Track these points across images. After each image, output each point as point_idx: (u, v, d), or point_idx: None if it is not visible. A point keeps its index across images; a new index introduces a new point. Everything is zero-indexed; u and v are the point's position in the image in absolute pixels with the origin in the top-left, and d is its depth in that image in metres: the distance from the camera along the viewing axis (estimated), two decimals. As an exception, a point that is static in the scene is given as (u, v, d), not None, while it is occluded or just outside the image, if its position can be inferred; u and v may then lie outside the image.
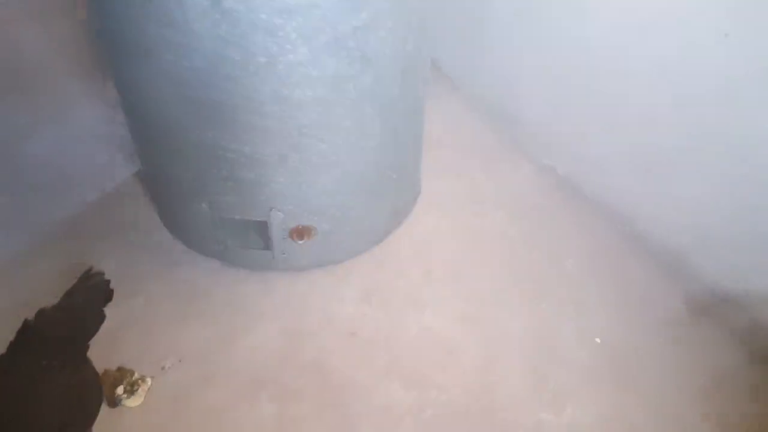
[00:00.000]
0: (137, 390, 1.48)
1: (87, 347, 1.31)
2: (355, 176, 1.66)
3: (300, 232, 1.69)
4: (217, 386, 1.52)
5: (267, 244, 1.73)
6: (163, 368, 1.54)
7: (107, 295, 1.41)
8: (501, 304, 1.75)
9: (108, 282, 1.41)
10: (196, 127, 1.44)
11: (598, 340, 1.70)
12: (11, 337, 1.21)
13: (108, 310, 1.40)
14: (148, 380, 1.50)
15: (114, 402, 1.46)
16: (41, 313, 1.25)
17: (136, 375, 1.51)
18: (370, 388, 1.53)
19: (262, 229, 1.70)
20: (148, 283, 1.73)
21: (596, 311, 1.75)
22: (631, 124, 1.83)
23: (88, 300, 1.35)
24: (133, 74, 1.44)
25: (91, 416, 1.25)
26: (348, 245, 1.84)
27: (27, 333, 1.21)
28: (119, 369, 1.52)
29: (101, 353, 1.39)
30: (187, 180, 1.60)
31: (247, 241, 1.76)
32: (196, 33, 1.26)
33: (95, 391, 1.32)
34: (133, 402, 1.47)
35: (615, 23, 1.78)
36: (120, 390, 1.47)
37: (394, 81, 1.51)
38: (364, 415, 1.49)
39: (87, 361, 1.31)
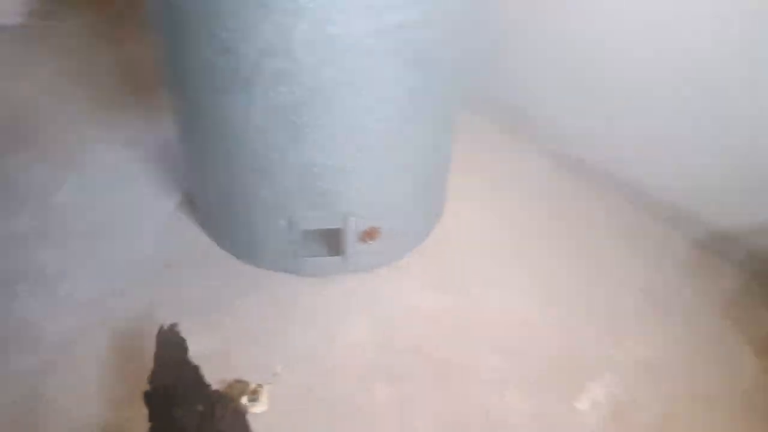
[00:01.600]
0: (259, 397, 1.57)
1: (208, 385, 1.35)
2: (417, 178, 1.85)
3: (371, 234, 1.85)
4: (331, 381, 1.64)
5: (339, 250, 1.87)
6: (275, 374, 1.64)
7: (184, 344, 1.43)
8: (555, 272, 2.00)
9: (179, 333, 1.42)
10: (292, 148, 1.57)
11: (640, 287, 1.99)
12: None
13: (204, 335, 1.47)
14: (265, 386, 1.59)
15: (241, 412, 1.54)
16: (153, 379, 1.30)
17: (253, 384, 1.60)
18: (469, 362, 1.72)
19: (334, 236, 1.85)
20: (234, 306, 1.81)
21: (630, 262, 2.05)
22: (629, 104, 2.15)
23: (176, 355, 1.38)
24: (224, 105, 1.55)
25: None
26: (405, 242, 2.02)
27: (154, 399, 1.26)
28: (237, 381, 1.60)
29: (212, 372, 1.44)
30: (271, 199, 1.72)
31: (319, 250, 1.89)
32: (298, 59, 1.41)
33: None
34: (258, 408, 1.56)
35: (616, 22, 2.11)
36: (244, 400, 1.55)
37: (447, 84, 1.72)
38: (470, 382, 1.67)
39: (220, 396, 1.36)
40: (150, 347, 1.38)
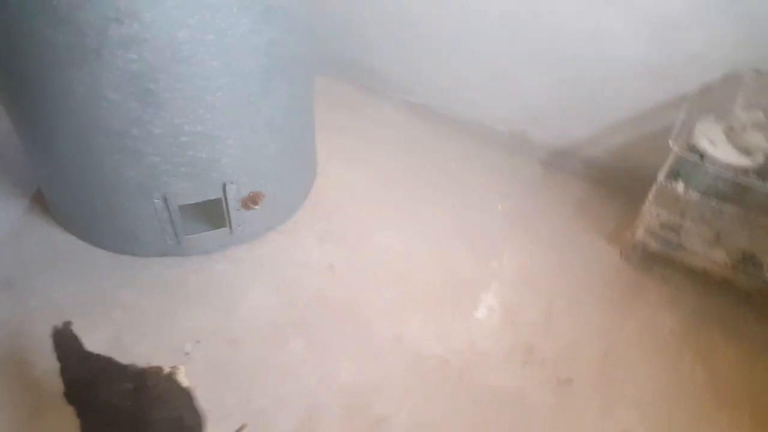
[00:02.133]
0: (177, 378, 1.51)
1: None
2: (287, 138, 1.86)
3: (253, 199, 1.83)
4: (244, 347, 1.62)
5: (223, 221, 1.83)
6: (186, 354, 1.58)
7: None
8: (428, 210, 2.13)
9: None
10: (154, 119, 1.49)
11: (499, 207, 2.20)
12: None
13: (98, 329, 1.40)
14: (181, 367, 1.53)
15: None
16: (65, 376, 1.22)
17: (167, 368, 1.53)
18: (370, 300, 1.79)
19: (215, 207, 1.80)
20: (120, 298, 1.70)
21: (489, 191, 2.25)
22: (466, 50, 2.33)
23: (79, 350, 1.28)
24: (69, 82, 1.42)
25: None
26: (288, 204, 2.02)
27: (75, 394, 1.20)
28: (149, 367, 1.52)
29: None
30: (140, 179, 1.62)
31: (202, 225, 1.83)
32: (147, 22, 1.34)
33: None
34: (179, 389, 1.49)
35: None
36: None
37: (304, 39, 1.74)
38: (375, 317, 1.75)
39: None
40: (38, 357, 1.26)
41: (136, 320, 1.65)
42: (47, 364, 1.26)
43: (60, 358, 1.22)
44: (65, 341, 1.25)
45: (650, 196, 1.94)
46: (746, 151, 1.77)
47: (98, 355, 1.24)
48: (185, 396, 1.20)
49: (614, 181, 2.32)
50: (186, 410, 1.17)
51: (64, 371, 1.20)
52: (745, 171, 1.75)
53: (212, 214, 1.83)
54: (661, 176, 1.89)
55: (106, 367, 1.20)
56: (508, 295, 1.89)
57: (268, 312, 1.72)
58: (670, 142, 1.81)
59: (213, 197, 1.75)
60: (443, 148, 2.42)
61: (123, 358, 1.45)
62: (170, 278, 1.78)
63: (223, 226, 1.84)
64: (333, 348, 1.66)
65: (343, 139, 2.37)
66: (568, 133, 2.35)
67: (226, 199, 1.76)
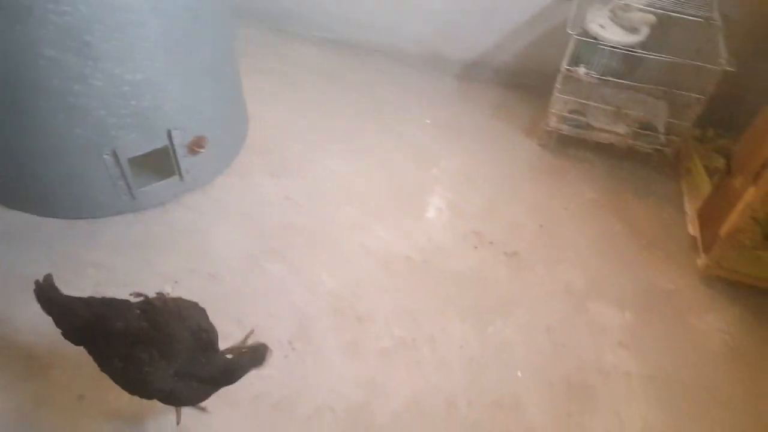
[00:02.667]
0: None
1: None
2: (219, 80, 1.91)
3: (197, 143, 1.88)
4: (223, 279, 1.72)
5: (172, 170, 1.87)
6: (168, 293, 1.65)
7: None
8: (363, 134, 2.27)
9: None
10: (95, 71, 1.50)
11: (428, 121, 2.37)
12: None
13: (75, 289, 1.44)
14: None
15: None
16: (61, 324, 1.27)
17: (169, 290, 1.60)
18: (332, 220, 1.94)
19: (163, 158, 1.84)
20: (86, 260, 1.72)
21: (415, 107, 2.42)
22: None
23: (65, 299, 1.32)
24: (1, 43, 1.40)
25: None
26: (230, 146, 2.09)
27: (79, 333, 1.26)
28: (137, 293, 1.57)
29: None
30: (87, 136, 1.63)
31: (153, 176, 1.87)
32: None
33: None
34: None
35: None
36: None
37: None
38: (340, 233, 1.89)
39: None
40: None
41: (110, 275, 1.69)
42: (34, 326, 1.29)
43: (49, 311, 1.25)
44: (49, 293, 1.28)
45: (557, 85, 2.18)
46: (632, 30, 2.02)
47: (91, 297, 1.29)
48: (197, 308, 1.30)
49: (524, 82, 2.54)
50: (202, 320, 1.27)
51: (59, 322, 1.24)
52: (633, 46, 2.01)
53: (161, 164, 1.87)
54: (563, 65, 2.12)
55: (103, 304, 1.26)
56: (450, 194, 2.08)
57: (239, 246, 1.82)
58: (568, 30, 2.03)
59: (160, 145, 1.79)
60: (364, 76, 2.54)
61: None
62: (134, 233, 1.82)
63: (173, 174, 1.88)
64: (308, 264, 1.79)
65: (265, 81, 2.43)
66: (476, 44, 2.54)
67: (172, 145, 1.80)
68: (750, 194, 1.66)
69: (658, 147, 2.19)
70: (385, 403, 1.50)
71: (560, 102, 2.24)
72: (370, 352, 1.60)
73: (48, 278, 1.31)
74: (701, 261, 1.86)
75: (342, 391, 1.51)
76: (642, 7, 1.97)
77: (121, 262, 1.73)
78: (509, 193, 2.11)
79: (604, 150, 2.24)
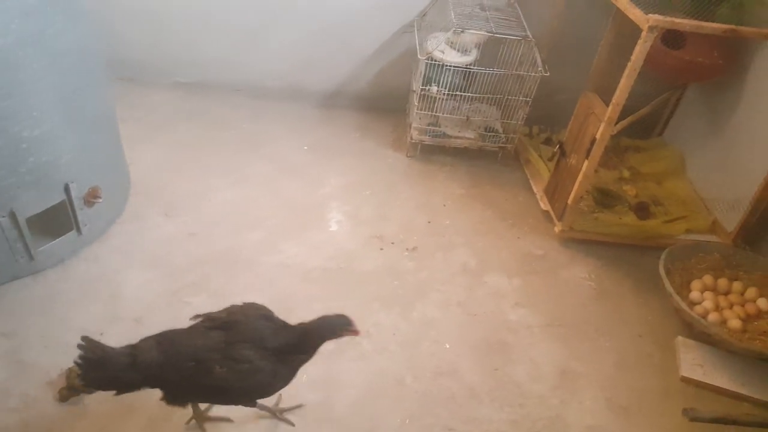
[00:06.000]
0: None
1: None
2: (107, 130, 1.90)
3: (93, 194, 1.84)
4: (150, 319, 1.68)
5: (69, 225, 1.81)
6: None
7: None
8: (247, 165, 2.38)
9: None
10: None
11: (305, 147, 2.55)
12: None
13: None
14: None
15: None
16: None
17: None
18: (240, 243, 2.01)
19: (58, 214, 1.77)
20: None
21: (288, 135, 2.58)
22: (220, 21, 2.56)
23: None
24: None
25: None
26: (120, 194, 2.05)
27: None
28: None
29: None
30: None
31: (49, 236, 1.78)
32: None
33: None
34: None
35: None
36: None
37: (96, 42, 1.80)
38: (255, 255, 1.97)
39: None
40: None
41: (25, 340, 1.58)
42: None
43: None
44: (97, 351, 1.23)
45: (414, 103, 2.51)
46: (466, 51, 2.43)
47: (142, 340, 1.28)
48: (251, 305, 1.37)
49: (379, 105, 2.84)
50: (262, 309, 1.36)
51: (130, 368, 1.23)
52: (469, 65, 2.42)
53: (57, 221, 1.79)
54: (418, 86, 2.46)
55: (164, 334, 1.28)
56: (346, 207, 2.27)
57: (155, 287, 1.80)
58: (419, 56, 2.38)
59: (58, 201, 1.73)
60: (232, 114, 2.65)
61: (30, 373, 1.45)
62: (38, 294, 1.72)
63: (71, 229, 1.82)
64: (232, 289, 1.84)
65: (130, 128, 2.41)
66: (333, 75, 2.79)
67: (70, 199, 1.75)
68: (586, 167, 2.11)
69: (501, 145, 2.62)
70: (342, 397, 1.62)
71: (419, 118, 2.57)
72: (315, 357, 1.70)
73: (87, 341, 1.24)
74: (557, 228, 2.28)
75: (299, 396, 1.59)
76: (471, 32, 2.37)
77: (34, 324, 1.63)
78: (394, 199, 2.36)
79: (461, 153, 2.62)
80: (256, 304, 1.39)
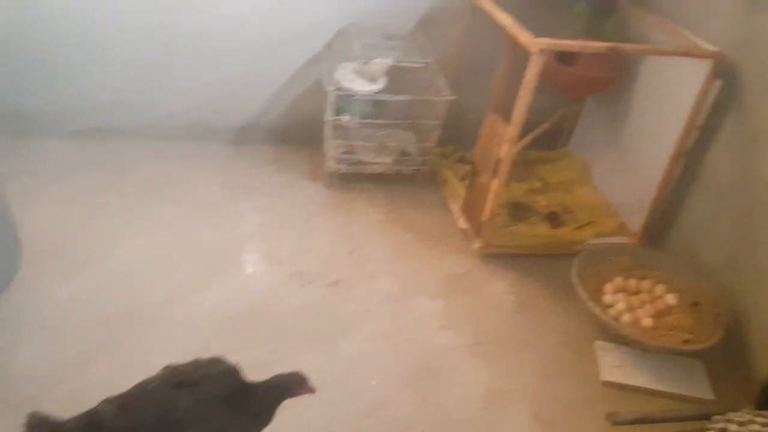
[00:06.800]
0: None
1: None
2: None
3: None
4: (51, 393, 1.59)
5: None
6: None
7: None
8: (152, 212, 2.28)
9: None
10: None
11: (216, 186, 2.48)
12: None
13: None
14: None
15: None
16: None
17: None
18: (146, 296, 1.93)
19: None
20: None
21: (197, 175, 2.51)
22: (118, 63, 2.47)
23: None
24: None
25: None
26: (9, 260, 1.92)
27: None
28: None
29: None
30: None
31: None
32: None
33: None
34: None
35: None
36: None
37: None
38: (166, 307, 1.89)
39: None
40: None
41: None
42: None
43: None
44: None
45: (327, 134, 2.50)
46: (374, 80, 2.45)
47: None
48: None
49: (292, 136, 2.81)
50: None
51: None
52: (378, 93, 2.44)
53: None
54: (329, 116, 2.46)
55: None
56: (262, 246, 2.23)
57: (54, 358, 1.67)
58: (327, 88, 2.38)
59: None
60: (136, 157, 2.55)
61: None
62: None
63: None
64: (141, 350, 1.74)
65: (27, 184, 2.28)
66: (242, 111, 2.74)
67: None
68: (494, 185, 2.16)
69: (417, 168, 2.66)
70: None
71: (333, 147, 2.56)
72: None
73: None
74: (476, 245, 2.32)
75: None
76: (377, 61, 2.40)
77: None
78: (313, 232, 2.33)
79: (379, 179, 2.63)
80: (219, 358, 1.32)
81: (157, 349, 1.74)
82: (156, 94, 2.59)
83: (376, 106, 2.51)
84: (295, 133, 2.80)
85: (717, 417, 1.64)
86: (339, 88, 2.39)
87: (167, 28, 2.43)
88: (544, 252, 2.37)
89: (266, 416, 1.31)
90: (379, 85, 2.44)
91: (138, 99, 2.58)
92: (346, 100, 2.43)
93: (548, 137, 2.80)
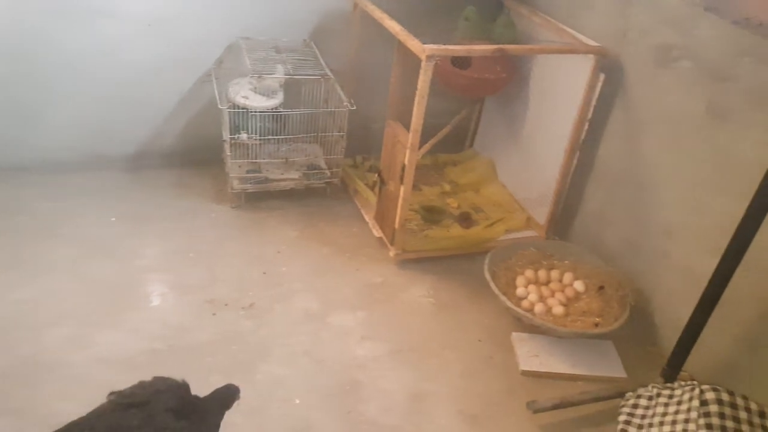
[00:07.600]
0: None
1: None
2: None
3: None
4: None
5: None
6: None
7: None
8: (39, 260, 2.13)
9: None
10: None
11: (113, 218, 2.34)
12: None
13: None
14: None
15: None
16: None
17: None
18: (37, 347, 1.77)
19: None
20: None
21: (94, 211, 2.36)
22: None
23: None
24: None
25: None
26: None
27: None
28: None
29: None
30: None
31: None
32: None
33: None
34: None
35: None
36: None
37: None
38: (52, 359, 1.74)
39: None
40: None
41: None
42: None
43: None
44: None
45: (228, 153, 2.42)
46: (271, 94, 2.40)
47: None
48: None
49: (192, 159, 2.70)
50: None
51: None
52: (276, 107, 2.39)
53: None
54: (226, 135, 2.38)
55: None
56: (167, 276, 2.12)
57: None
58: (219, 106, 2.30)
59: None
60: (18, 194, 2.38)
61: None
62: None
63: None
64: (38, 401, 1.60)
65: None
66: (135, 137, 2.61)
67: None
68: (402, 192, 2.17)
69: (327, 180, 2.63)
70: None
71: (236, 167, 2.49)
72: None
73: None
74: (391, 252, 2.32)
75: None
76: (271, 75, 2.35)
77: None
78: (223, 256, 2.25)
79: (289, 195, 2.58)
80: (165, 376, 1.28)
81: (60, 396, 1.61)
82: (38, 129, 2.43)
83: (276, 121, 2.46)
84: (196, 155, 2.69)
85: (629, 394, 1.71)
86: (232, 105, 2.32)
87: (37, 57, 2.27)
88: (459, 252, 2.40)
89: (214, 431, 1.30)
90: (276, 100, 2.40)
91: (18, 135, 2.41)
92: (242, 117, 2.36)
93: (454, 139, 2.86)
